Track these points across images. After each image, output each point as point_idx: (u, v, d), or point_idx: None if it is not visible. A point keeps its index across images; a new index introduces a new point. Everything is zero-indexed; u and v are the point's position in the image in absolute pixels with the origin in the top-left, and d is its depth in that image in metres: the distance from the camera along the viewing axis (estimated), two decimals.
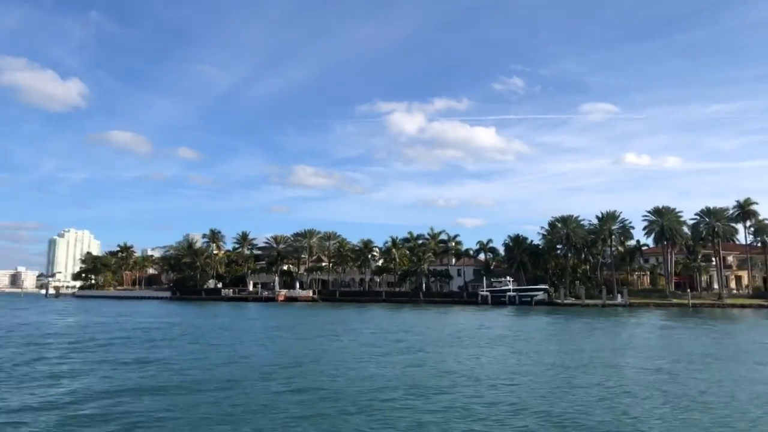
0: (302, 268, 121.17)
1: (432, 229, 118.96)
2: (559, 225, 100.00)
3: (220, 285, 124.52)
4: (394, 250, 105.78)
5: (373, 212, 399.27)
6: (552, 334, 37.42)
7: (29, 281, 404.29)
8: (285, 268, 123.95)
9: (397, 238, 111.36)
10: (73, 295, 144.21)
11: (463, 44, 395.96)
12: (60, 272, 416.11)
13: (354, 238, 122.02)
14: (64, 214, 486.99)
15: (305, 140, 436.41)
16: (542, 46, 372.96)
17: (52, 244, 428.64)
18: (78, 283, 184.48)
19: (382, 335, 34.36)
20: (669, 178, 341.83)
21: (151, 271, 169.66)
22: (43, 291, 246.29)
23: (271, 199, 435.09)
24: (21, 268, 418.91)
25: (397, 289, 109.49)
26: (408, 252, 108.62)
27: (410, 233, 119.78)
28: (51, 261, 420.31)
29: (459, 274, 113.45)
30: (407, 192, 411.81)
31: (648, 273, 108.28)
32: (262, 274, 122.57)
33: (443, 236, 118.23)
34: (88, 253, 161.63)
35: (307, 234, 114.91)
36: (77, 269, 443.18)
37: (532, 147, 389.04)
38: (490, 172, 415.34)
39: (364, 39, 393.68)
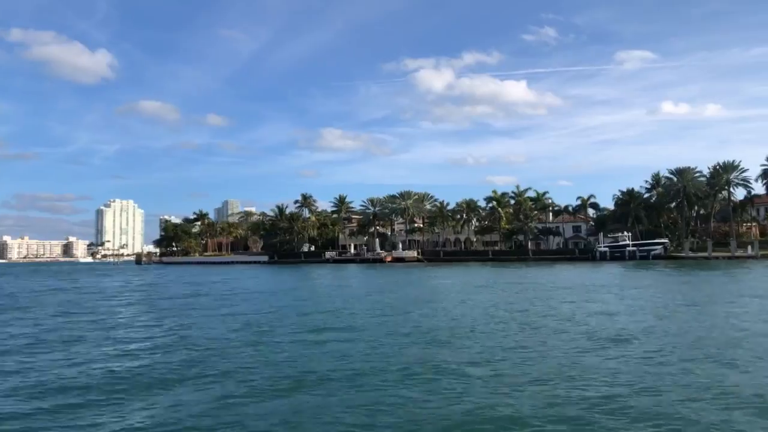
0: (390, 229, 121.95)
1: (518, 186, 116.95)
2: (674, 178, 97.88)
3: (312, 248, 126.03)
4: (499, 209, 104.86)
5: (401, 173, 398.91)
6: None
7: (80, 250, 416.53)
8: (372, 230, 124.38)
9: (498, 194, 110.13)
10: (160, 262, 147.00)
11: None
12: (108, 241, 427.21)
13: None
14: (100, 185, 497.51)
15: (331, 103, 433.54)
16: None
17: (99, 214, 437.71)
18: (149, 250, 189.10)
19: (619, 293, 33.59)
20: (707, 127, 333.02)
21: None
22: (110, 260, 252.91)
23: (300, 163, 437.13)
24: (72, 238, 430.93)
25: (496, 248, 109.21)
26: (511, 211, 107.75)
27: (494, 192, 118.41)
28: (100, 230, 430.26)
29: (558, 231, 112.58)
30: (435, 152, 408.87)
31: (757, 224, 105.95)
32: (357, 236, 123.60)
33: (530, 193, 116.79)
34: (168, 221, 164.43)
35: (404, 195, 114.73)
36: (124, 238, 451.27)
37: (564, 100, 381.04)
38: (521, 128, 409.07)
39: None
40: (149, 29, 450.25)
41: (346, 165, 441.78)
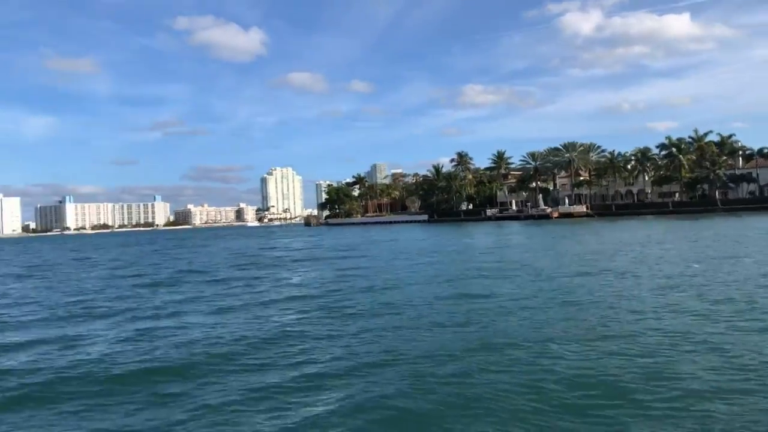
0: (553, 184, 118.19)
1: (696, 131, 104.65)
2: None
3: (471, 206, 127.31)
4: (681, 156, 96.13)
5: (548, 125, 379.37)
6: None
7: (250, 215, 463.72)
8: (533, 185, 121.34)
9: (673, 139, 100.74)
10: (326, 224, 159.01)
11: None
12: (273, 206, 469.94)
13: None
14: (262, 155, 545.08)
15: (471, 58, 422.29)
16: None
17: (263, 181, 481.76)
18: (310, 213, 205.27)
19: None
20: None
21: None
22: (276, 223, 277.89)
23: (441, 123, 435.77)
24: (242, 204, 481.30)
25: (675, 199, 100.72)
26: (694, 157, 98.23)
27: (668, 138, 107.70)
28: (265, 196, 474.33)
29: (752, 178, 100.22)
30: (585, 100, 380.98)
31: None
32: (517, 193, 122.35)
33: (712, 137, 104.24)
34: (330, 185, 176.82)
35: (568, 147, 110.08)
36: (286, 203, 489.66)
37: (737, 30, 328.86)
38: (683, 67, 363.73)
39: None
40: (293, 4, 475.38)
41: (488, 121, 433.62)
